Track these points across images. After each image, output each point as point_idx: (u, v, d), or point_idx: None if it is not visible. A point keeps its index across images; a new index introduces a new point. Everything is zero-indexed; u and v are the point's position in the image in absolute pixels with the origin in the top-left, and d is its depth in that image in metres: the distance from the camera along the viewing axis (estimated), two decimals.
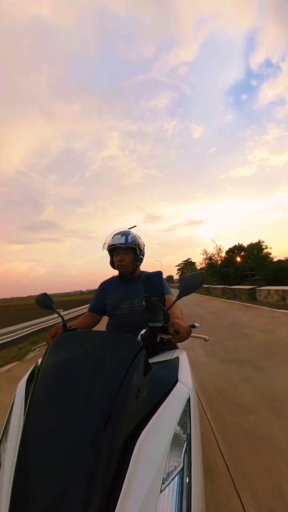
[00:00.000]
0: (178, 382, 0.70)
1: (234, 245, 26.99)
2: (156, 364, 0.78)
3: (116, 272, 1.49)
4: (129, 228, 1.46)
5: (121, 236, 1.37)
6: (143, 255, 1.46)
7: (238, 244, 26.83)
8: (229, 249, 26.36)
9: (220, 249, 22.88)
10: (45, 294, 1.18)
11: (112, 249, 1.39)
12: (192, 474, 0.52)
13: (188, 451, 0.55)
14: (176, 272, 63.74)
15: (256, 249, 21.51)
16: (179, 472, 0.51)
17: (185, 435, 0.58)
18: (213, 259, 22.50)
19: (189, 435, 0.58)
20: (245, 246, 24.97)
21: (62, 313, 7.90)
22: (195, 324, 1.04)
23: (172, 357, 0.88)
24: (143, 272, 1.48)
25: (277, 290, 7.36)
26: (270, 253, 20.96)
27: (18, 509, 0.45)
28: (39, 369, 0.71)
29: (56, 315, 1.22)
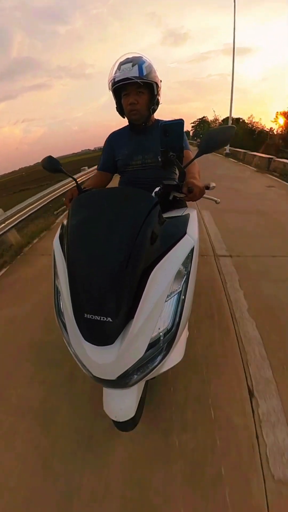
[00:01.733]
0: (186, 235, 0.81)
1: (226, 117, 35.03)
2: (169, 218, 0.87)
3: (125, 122, 1.25)
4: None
5: (132, 66, 0.99)
6: (159, 96, 1.14)
7: (228, 116, 35.02)
8: (223, 119, 37.84)
9: (217, 118, 38.06)
10: (50, 157, 1.08)
11: (120, 88, 1.05)
12: (186, 294, 0.78)
13: (186, 282, 0.78)
14: (191, 129, 54.98)
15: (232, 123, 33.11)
16: (178, 292, 0.76)
17: (185, 272, 0.78)
18: (211, 126, 35.62)
19: (189, 272, 0.79)
20: (234, 118, 36.42)
21: (81, 174, 7.58)
22: (209, 185, 1.00)
23: (183, 214, 0.96)
24: (159, 120, 1.23)
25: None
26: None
27: (77, 308, 0.71)
28: (67, 227, 0.81)
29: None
